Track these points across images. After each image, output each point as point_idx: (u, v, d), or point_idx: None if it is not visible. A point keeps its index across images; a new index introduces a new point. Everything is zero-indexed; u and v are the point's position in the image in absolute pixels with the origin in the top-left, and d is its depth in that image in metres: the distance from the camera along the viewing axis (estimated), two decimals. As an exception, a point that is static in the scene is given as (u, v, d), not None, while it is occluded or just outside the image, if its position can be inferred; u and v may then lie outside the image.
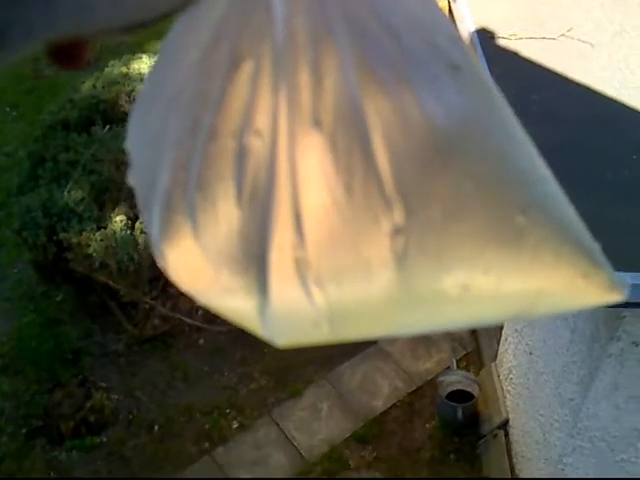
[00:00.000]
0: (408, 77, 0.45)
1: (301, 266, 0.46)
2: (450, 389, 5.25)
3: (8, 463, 5.39)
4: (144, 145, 0.54)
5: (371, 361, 5.77)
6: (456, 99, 0.46)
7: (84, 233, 5.76)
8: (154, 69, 0.56)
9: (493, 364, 5.47)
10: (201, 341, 6.04)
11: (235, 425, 5.45)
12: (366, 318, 0.49)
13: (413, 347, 5.83)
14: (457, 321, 0.52)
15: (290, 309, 0.47)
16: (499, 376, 5.38)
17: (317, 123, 0.45)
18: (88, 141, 6.12)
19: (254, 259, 0.47)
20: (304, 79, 0.45)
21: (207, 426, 5.46)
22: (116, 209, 6.07)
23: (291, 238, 0.45)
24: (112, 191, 6.27)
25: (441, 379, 5.39)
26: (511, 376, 5.12)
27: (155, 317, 6.20)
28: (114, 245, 5.88)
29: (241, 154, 0.46)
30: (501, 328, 5.35)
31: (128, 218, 6.05)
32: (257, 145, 0.46)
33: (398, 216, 0.44)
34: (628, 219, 3.02)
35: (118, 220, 5.93)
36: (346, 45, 0.45)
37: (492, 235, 0.45)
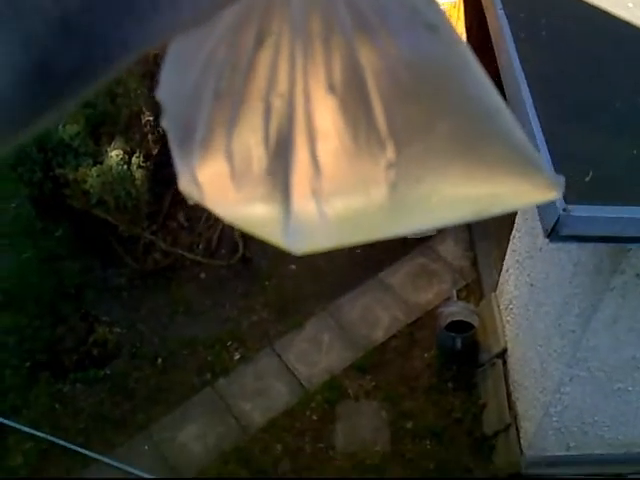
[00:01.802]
0: (393, 34, 0.56)
1: (316, 191, 0.60)
2: (450, 320, 5.26)
3: (13, 396, 5.48)
4: (179, 97, 0.67)
5: (371, 293, 5.79)
6: (433, 50, 0.57)
7: (80, 169, 5.69)
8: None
9: (493, 295, 5.47)
10: (202, 275, 6.05)
11: (237, 357, 5.51)
12: (366, 226, 0.64)
13: (413, 279, 5.84)
14: (433, 223, 0.65)
15: (307, 222, 0.61)
16: (499, 307, 5.39)
17: (331, 88, 0.57)
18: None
19: (279, 187, 0.60)
20: (318, 51, 0.57)
21: (209, 358, 5.52)
22: (112, 143, 5.98)
23: (309, 172, 0.59)
24: (108, 125, 6.16)
25: (441, 310, 5.40)
26: (511, 307, 5.12)
27: (155, 252, 6.19)
28: (111, 181, 5.82)
29: (267, 111, 0.60)
30: (502, 259, 5.32)
31: (124, 152, 5.97)
32: (280, 104, 0.59)
33: (390, 154, 0.58)
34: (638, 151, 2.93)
35: (114, 155, 5.85)
36: (347, 19, 0.56)
37: (459, 155, 0.59)
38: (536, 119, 2.93)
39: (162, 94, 0.69)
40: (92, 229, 6.28)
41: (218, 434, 5.08)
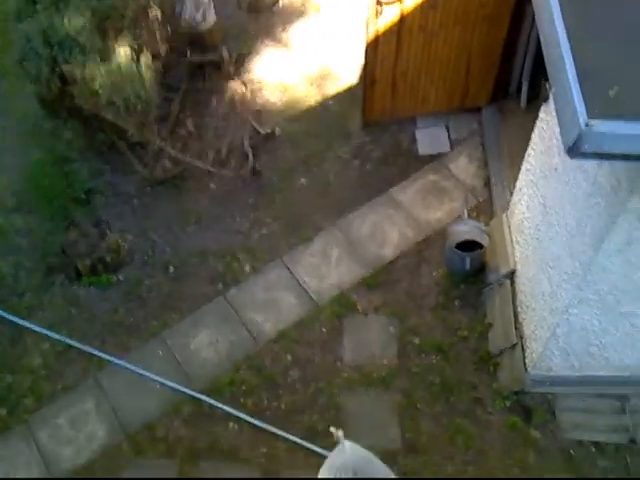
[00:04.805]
0: None
1: None
2: (460, 238, 5.31)
3: (29, 297, 5.60)
4: None
5: (381, 209, 5.80)
6: None
7: (88, 66, 5.54)
8: None
9: (504, 215, 5.48)
10: (212, 186, 6.03)
11: (247, 268, 5.59)
12: None
13: (424, 196, 5.83)
14: None
15: None
16: (509, 227, 5.41)
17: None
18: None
19: None
20: None
21: (220, 269, 5.60)
22: (119, 39, 5.78)
23: None
24: (114, 19, 5.92)
25: (451, 228, 5.43)
26: (522, 228, 5.14)
27: (165, 159, 6.14)
28: (119, 80, 5.68)
29: None
30: (516, 179, 5.30)
31: (132, 49, 5.79)
32: None
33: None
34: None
35: (122, 52, 5.67)
36: None
37: None
38: (564, 34, 2.86)
39: None
40: (101, 133, 6.20)
41: (230, 342, 5.24)
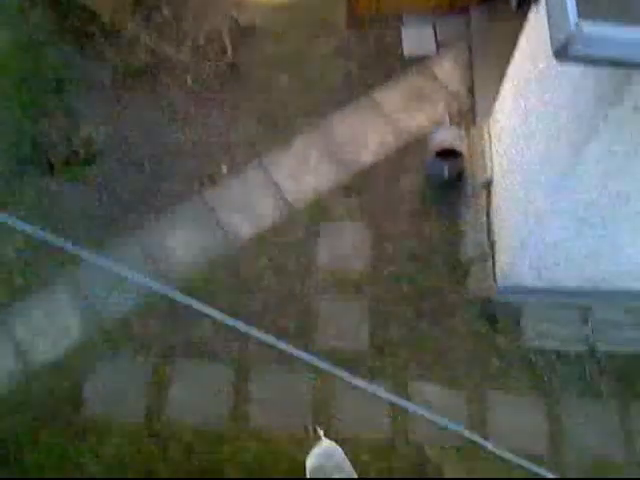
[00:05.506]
0: None
1: None
2: (440, 146, 5.26)
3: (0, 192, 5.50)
4: None
5: (362, 113, 5.68)
6: None
7: None
8: None
9: (486, 123, 5.42)
10: (189, 81, 5.82)
11: (224, 168, 5.51)
12: None
13: (407, 100, 5.70)
14: None
15: None
16: (490, 135, 5.36)
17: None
18: None
19: None
20: None
21: (197, 168, 5.51)
22: None
23: None
24: None
25: (432, 135, 5.37)
26: (502, 136, 5.10)
27: (140, 47, 5.89)
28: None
29: None
30: (500, 85, 5.20)
31: None
32: None
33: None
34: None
35: None
36: None
37: None
38: None
39: None
40: (73, 17, 5.91)
41: (206, 242, 5.25)
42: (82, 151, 5.58)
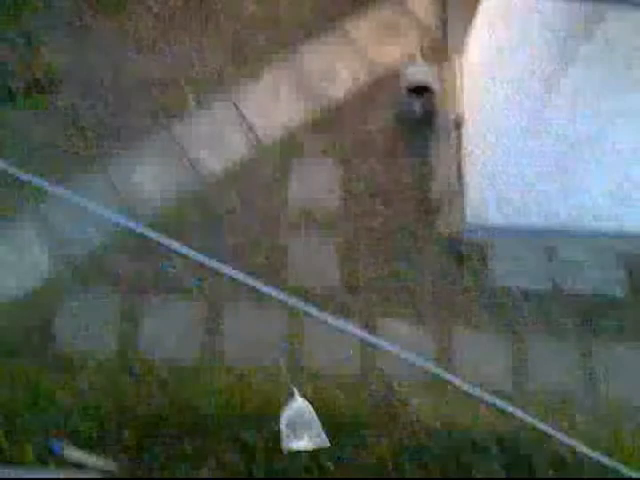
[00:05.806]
0: None
1: None
2: (412, 82, 5.21)
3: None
4: None
5: (334, 45, 5.56)
6: None
7: None
8: None
9: (458, 59, 5.35)
10: (155, 9, 5.59)
11: (192, 102, 5.37)
12: None
13: (379, 34, 5.59)
14: None
15: None
16: (462, 72, 5.31)
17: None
18: None
19: None
20: None
21: (163, 100, 5.36)
22: None
23: None
24: None
25: (403, 71, 5.30)
26: (474, 71, 5.06)
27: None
28: None
29: None
30: (472, 19, 5.12)
31: None
32: None
33: None
34: None
35: None
36: None
37: None
38: None
39: None
40: None
41: (174, 178, 5.17)
42: (43, 79, 5.37)
